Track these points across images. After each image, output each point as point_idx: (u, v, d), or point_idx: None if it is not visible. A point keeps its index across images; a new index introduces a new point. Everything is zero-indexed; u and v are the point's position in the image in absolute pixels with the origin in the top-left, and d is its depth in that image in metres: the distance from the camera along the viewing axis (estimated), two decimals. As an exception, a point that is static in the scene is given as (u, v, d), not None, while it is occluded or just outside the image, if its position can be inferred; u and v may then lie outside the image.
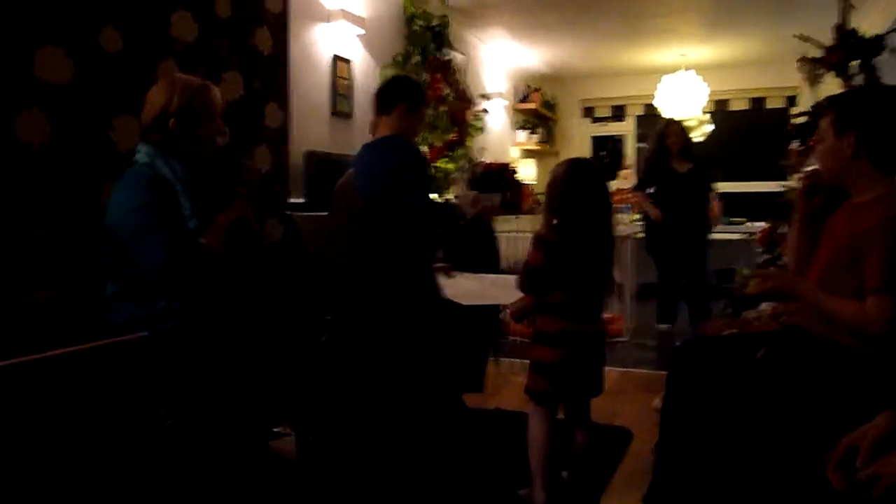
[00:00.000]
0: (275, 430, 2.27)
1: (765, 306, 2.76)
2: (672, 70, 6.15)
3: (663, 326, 4.65)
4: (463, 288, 2.85)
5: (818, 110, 3.14)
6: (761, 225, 4.07)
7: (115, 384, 1.41)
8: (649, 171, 4.67)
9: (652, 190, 4.57)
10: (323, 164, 3.32)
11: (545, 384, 2.03)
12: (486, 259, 3.01)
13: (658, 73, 6.23)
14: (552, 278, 2.01)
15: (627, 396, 3.24)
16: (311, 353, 2.04)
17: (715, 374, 1.72)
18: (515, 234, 4.43)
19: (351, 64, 3.89)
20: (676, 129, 4.52)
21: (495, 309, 2.90)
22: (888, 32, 3.15)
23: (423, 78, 4.32)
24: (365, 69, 4.06)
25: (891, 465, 1.05)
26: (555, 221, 2.02)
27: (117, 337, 1.50)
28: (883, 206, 1.58)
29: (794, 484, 1.31)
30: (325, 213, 2.83)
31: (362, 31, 3.90)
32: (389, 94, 2.64)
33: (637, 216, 6.17)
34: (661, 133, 4.55)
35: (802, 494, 1.28)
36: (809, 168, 1.82)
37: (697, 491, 1.70)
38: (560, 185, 2.04)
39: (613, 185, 5.97)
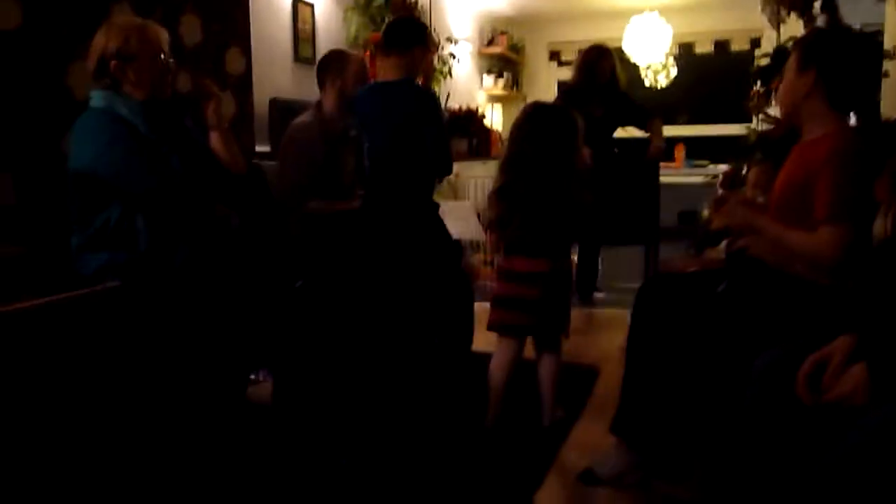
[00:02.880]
0: (251, 377, 2.30)
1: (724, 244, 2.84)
2: (639, 12, 6.09)
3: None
4: None
5: (781, 52, 3.18)
6: (724, 167, 4.13)
7: (89, 334, 1.40)
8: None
9: None
10: (287, 112, 3.25)
11: (522, 318, 2.16)
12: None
13: (625, 15, 6.16)
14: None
15: (593, 336, 3.34)
16: (286, 299, 2.05)
17: (677, 308, 1.78)
18: (484, 180, 4.44)
19: (313, 8, 3.77)
20: (612, 63, 3.68)
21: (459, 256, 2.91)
22: (850, -28, 3.17)
23: (388, 21, 4.22)
24: (327, 14, 3.94)
25: (850, 381, 1.15)
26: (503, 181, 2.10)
27: (87, 288, 1.48)
28: (833, 139, 1.63)
29: (751, 409, 1.39)
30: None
31: (323, -27, 3.78)
32: (407, 35, 2.56)
33: None
34: (592, 62, 3.63)
35: (759, 418, 1.37)
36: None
37: (661, 419, 1.78)
38: (511, 134, 2.12)
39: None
